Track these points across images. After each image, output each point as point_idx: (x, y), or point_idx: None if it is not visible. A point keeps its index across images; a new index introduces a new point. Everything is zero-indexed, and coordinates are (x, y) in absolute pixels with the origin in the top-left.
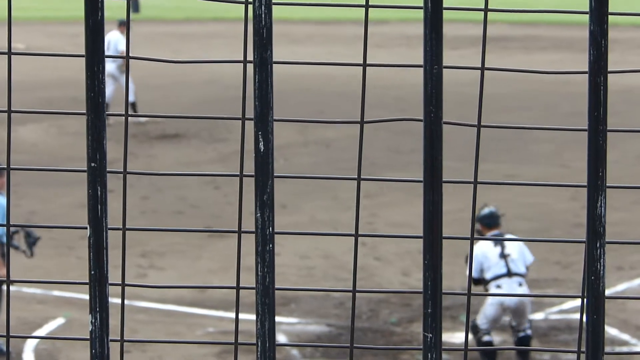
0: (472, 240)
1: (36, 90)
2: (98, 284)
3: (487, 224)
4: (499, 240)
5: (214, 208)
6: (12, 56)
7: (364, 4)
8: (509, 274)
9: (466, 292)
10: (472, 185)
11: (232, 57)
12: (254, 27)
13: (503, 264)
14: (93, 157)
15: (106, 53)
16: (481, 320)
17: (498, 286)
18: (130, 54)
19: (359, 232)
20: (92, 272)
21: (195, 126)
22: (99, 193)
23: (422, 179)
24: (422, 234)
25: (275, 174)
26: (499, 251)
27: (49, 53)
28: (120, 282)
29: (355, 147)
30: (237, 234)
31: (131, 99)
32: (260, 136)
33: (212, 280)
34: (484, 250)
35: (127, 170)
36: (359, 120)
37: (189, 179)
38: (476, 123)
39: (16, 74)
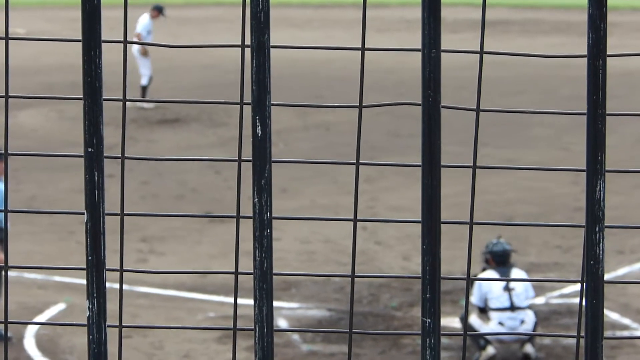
0: (472, 226)
1: (36, 75)
2: (95, 269)
3: (497, 260)
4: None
5: (214, 192)
6: (13, 41)
7: None
8: (512, 308)
9: (465, 276)
10: (472, 169)
11: (232, 42)
12: (252, 11)
13: (507, 297)
14: (90, 142)
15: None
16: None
17: (500, 323)
18: (149, 40)
19: (359, 217)
20: (89, 258)
21: (195, 111)
22: (96, 178)
23: (420, 163)
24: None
25: (274, 159)
26: (504, 284)
27: (47, 38)
28: (119, 268)
29: (354, 131)
30: (235, 219)
31: (144, 82)
32: (257, 121)
33: (212, 265)
34: (488, 284)
35: (126, 155)
36: (358, 104)
37: (189, 163)
38: (475, 107)
39: (16, 59)
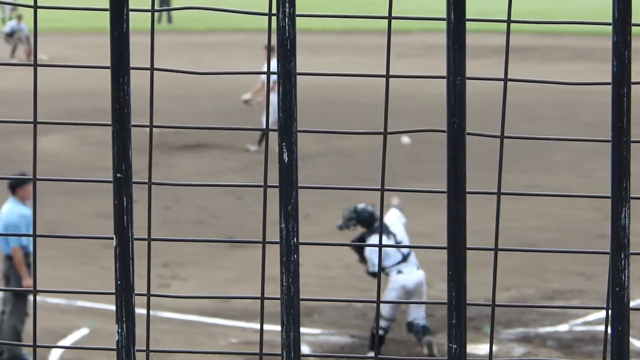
0: (497, 252)
1: (58, 100)
2: (124, 293)
3: (367, 225)
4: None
5: (235, 218)
6: (51, 68)
7: (387, 15)
8: (405, 259)
9: (490, 303)
10: (496, 196)
11: (252, 68)
12: (278, 39)
13: (398, 251)
14: (119, 168)
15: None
16: (383, 308)
17: (399, 271)
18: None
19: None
20: (119, 282)
21: (216, 136)
22: (125, 203)
23: (445, 189)
24: (444, 244)
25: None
26: (393, 241)
27: (76, 65)
28: (146, 292)
29: (374, 156)
30: (261, 245)
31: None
32: (284, 147)
33: (232, 290)
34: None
35: (152, 180)
36: (382, 131)
37: (210, 189)
38: (499, 133)
39: (39, 84)
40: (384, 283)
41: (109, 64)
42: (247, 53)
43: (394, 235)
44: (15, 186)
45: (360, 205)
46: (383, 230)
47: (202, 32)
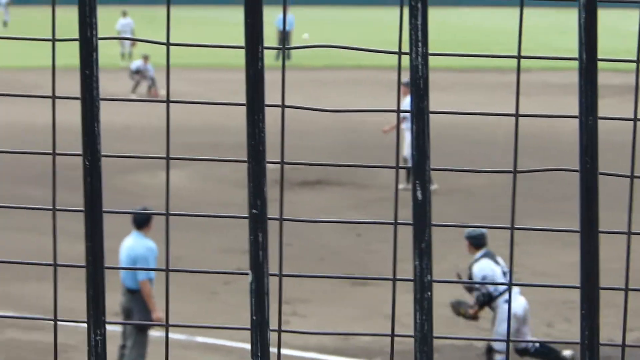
0: (627, 292)
1: (178, 135)
2: (260, 329)
3: (476, 244)
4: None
5: (355, 255)
6: (161, 103)
7: (517, 54)
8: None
9: (620, 343)
10: (626, 235)
11: (372, 105)
12: (411, 78)
13: (506, 280)
14: (254, 204)
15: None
16: (497, 343)
17: (506, 300)
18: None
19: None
20: (254, 317)
21: (336, 173)
22: (260, 239)
23: (573, 228)
24: (568, 284)
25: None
26: (501, 270)
27: (211, 102)
28: (277, 328)
29: (496, 195)
30: (381, 283)
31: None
32: (417, 185)
33: (353, 327)
34: (492, 268)
35: (283, 217)
36: (512, 169)
37: (329, 226)
38: (627, 173)
39: (159, 119)
40: (490, 314)
41: (229, 100)
42: (366, 90)
43: (501, 266)
44: (143, 221)
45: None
46: (490, 258)
47: (321, 68)
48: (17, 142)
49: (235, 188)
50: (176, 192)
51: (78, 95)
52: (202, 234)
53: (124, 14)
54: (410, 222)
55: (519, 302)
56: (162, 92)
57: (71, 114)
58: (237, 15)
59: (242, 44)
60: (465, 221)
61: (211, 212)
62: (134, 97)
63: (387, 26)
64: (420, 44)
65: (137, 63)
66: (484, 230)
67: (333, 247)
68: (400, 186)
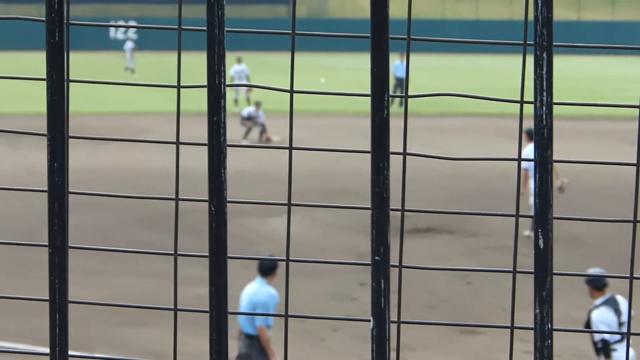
0: None
1: (286, 181)
2: None
3: (597, 286)
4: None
5: (465, 303)
6: (279, 150)
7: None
8: (623, 337)
9: None
10: None
11: (483, 152)
12: (535, 127)
13: (619, 328)
14: (377, 251)
15: None
16: None
17: (615, 350)
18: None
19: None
20: None
21: (446, 221)
22: (382, 286)
23: None
24: None
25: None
26: (617, 319)
27: (335, 149)
28: None
29: (606, 243)
30: (490, 330)
31: None
32: (540, 233)
33: None
34: (610, 319)
35: (402, 264)
36: (633, 219)
37: (439, 273)
38: None
39: (270, 165)
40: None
41: (337, 146)
42: (479, 137)
43: (621, 314)
44: (269, 269)
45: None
46: (611, 305)
47: (433, 115)
48: (127, 187)
49: (342, 234)
50: (283, 238)
51: (196, 140)
52: (310, 279)
53: (239, 61)
54: (529, 270)
55: (631, 353)
56: (275, 138)
57: (182, 159)
58: (346, 61)
59: (353, 90)
60: (575, 269)
61: (319, 257)
62: (245, 142)
63: (496, 74)
64: (545, 94)
65: (248, 110)
66: (602, 271)
67: (442, 294)
68: (525, 233)
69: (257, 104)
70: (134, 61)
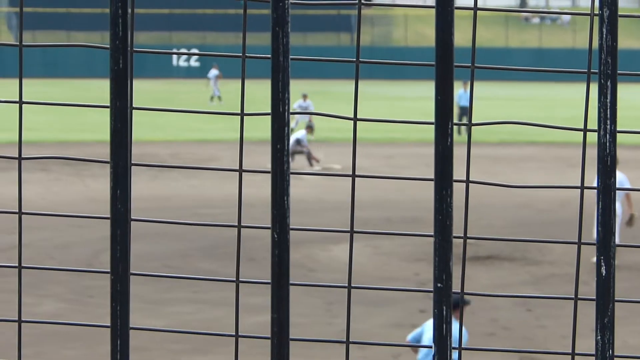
0: None
1: (348, 209)
2: None
3: None
4: None
5: (526, 331)
6: (341, 177)
7: None
8: None
9: None
10: None
11: (545, 180)
12: (599, 155)
13: None
14: (439, 278)
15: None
16: None
17: None
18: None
19: None
20: None
21: (508, 249)
22: (444, 313)
23: None
24: None
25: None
26: None
27: (393, 176)
28: None
29: None
30: (558, 356)
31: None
32: (602, 261)
33: None
34: None
35: (464, 291)
36: None
37: (500, 300)
38: None
39: (333, 193)
40: None
41: (400, 174)
42: (542, 165)
43: None
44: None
45: None
46: None
47: (497, 144)
48: (187, 215)
49: (402, 262)
50: (344, 266)
51: (257, 167)
52: (371, 307)
53: (305, 97)
54: (591, 297)
55: None
56: (335, 166)
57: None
58: (409, 90)
59: (417, 118)
60: (636, 297)
61: (380, 285)
62: (310, 170)
63: (559, 102)
64: (609, 122)
65: (298, 134)
66: None
67: (503, 322)
68: (593, 260)
69: (309, 128)
70: (219, 89)
